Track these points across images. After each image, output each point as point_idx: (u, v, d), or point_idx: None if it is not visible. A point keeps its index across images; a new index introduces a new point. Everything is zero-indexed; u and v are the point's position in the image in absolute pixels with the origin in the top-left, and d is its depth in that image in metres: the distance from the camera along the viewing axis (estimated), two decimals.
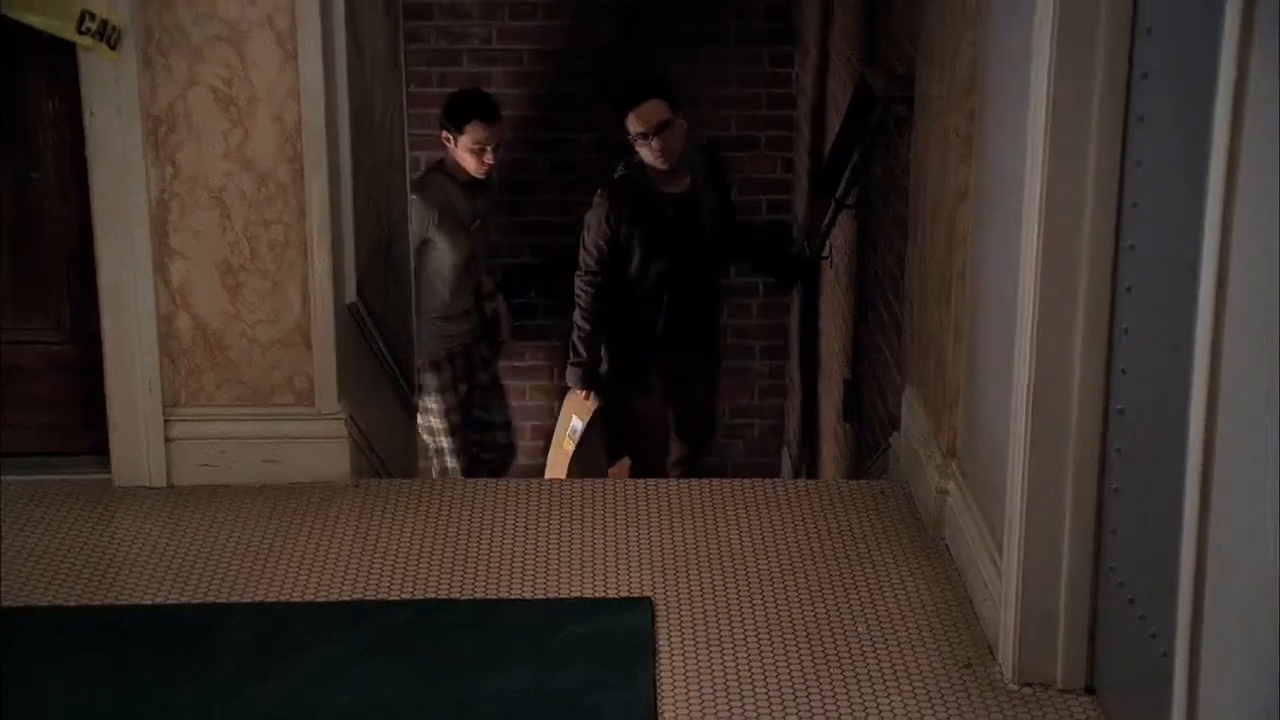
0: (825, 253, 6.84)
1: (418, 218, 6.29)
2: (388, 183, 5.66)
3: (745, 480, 4.74)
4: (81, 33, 4.10)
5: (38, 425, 4.54)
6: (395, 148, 6.04)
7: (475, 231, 6.58)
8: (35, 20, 4.10)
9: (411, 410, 6.51)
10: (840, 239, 6.61)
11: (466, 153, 6.43)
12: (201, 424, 4.45)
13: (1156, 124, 2.99)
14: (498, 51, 8.70)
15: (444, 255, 6.45)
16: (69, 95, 4.28)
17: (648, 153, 6.14)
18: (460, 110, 6.45)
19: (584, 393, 6.79)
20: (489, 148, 6.42)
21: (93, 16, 4.10)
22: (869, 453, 5.80)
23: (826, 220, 6.56)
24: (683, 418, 6.94)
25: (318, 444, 4.49)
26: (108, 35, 4.11)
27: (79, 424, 4.53)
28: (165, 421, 4.43)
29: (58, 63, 4.26)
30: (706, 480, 4.71)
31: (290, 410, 4.48)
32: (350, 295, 4.60)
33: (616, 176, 6.46)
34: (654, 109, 6.10)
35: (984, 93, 3.82)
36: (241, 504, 4.39)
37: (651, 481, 4.72)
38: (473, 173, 6.48)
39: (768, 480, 4.82)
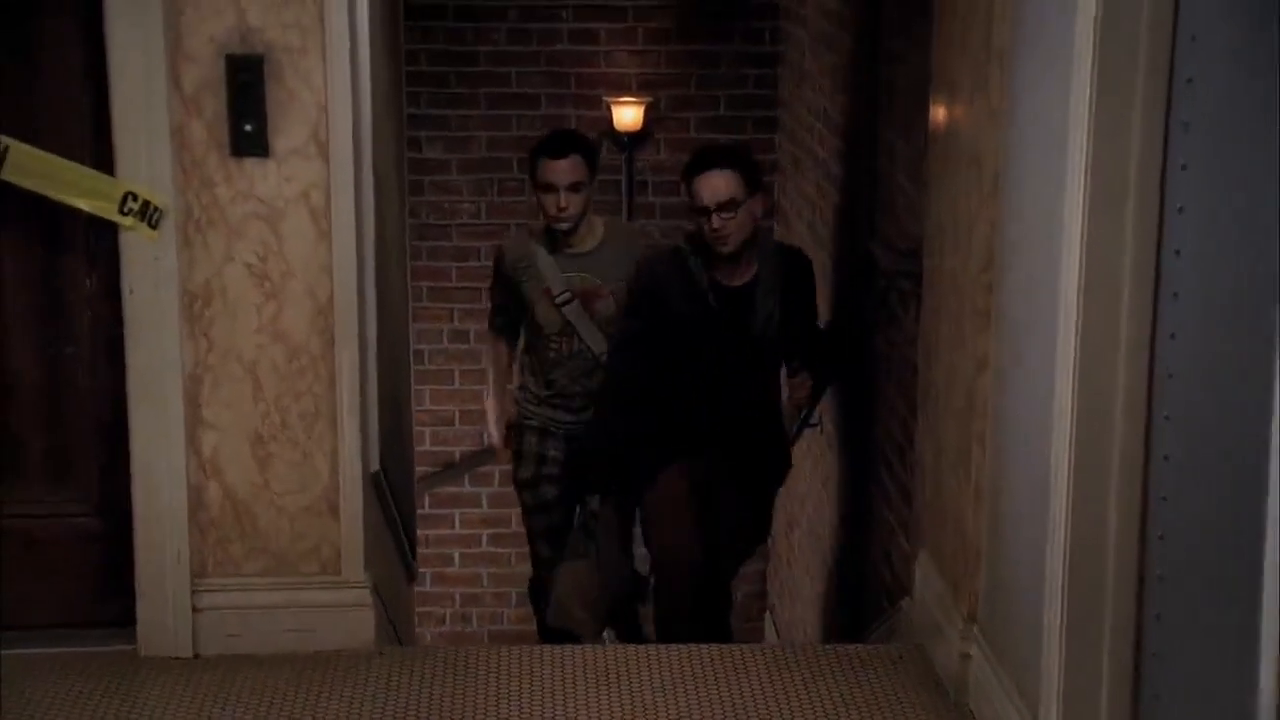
0: (815, 420, 6.89)
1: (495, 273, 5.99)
2: (397, 352, 5.73)
3: (762, 645, 4.77)
4: (124, 213, 4.18)
5: (63, 597, 4.53)
6: (401, 319, 6.12)
7: (566, 305, 5.79)
8: (80, 202, 4.18)
9: (412, 573, 6.53)
10: (833, 408, 6.67)
11: (541, 197, 5.75)
12: (228, 594, 4.46)
13: (1189, 298, 3.08)
14: (488, 226, 8.84)
15: (526, 317, 5.93)
16: (105, 273, 4.34)
17: (707, 230, 5.31)
18: (533, 151, 5.83)
19: (591, 496, 5.78)
20: (561, 189, 5.66)
21: (135, 197, 4.17)
22: (869, 619, 5.83)
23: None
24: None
25: (343, 612, 4.51)
26: (149, 215, 4.18)
27: (104, 595, 4.53)
28: (193, 591, 4.43)
29: (96, 242, 4.33)
30: (726, 645, 4.72)
31: (316, 579, 4.50)
32: (374, 464, 4.64)
33: (673, 247, 5.67)
34: (721, 181, 5.26)
35: (1004, 267, 3.91)
36: (267, 674, 4.38)
37: (676, 647, 4.71)
38: (550, 220, 5.75)
39: (785, 645, 4.84)
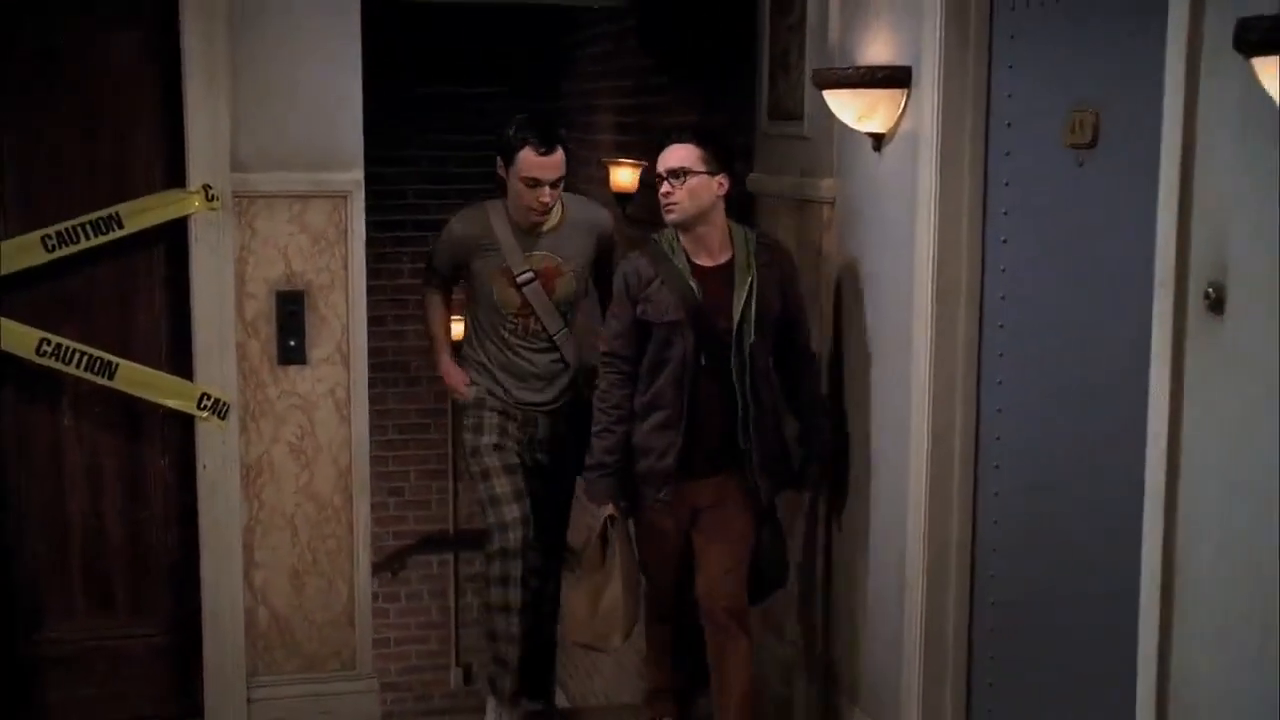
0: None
1: (440, 246, 4.61)
2: None
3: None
4: (200, 408, 4.39)
5: (143, 697, 4.65)
6: None
7: (527, 285, 4.48)
8: (168, 401, 4.38)
9: None
10: None
11: (518, 185, 4.35)
12: (274, 688, 4.64)
13: (1008, 441, 3.57)
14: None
15: (476, 294, 4.58)
16: (175, 456, 4.53)
17: (659, 196, 4.15)
18: (515, 133, 4.36)
19: (602, 507, 4.26)
20: (545, 185, 4.34)
21: (209, 396, 4.39)
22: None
23: None
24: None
25: (357, 698, 4.72)
26: (219, 409, 4.41)
27: (175, 694, 4.66)
28: (248, 687, 4.59)
29: (168, 433, 4.52)
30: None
31: (338, 674, 4.70)
32: (373, 585, 4.86)
33: (648, 237, 4.31)
34: (676, 152, 4.12)
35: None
36: None
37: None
38: (520, 214, 4.40)
39: None
